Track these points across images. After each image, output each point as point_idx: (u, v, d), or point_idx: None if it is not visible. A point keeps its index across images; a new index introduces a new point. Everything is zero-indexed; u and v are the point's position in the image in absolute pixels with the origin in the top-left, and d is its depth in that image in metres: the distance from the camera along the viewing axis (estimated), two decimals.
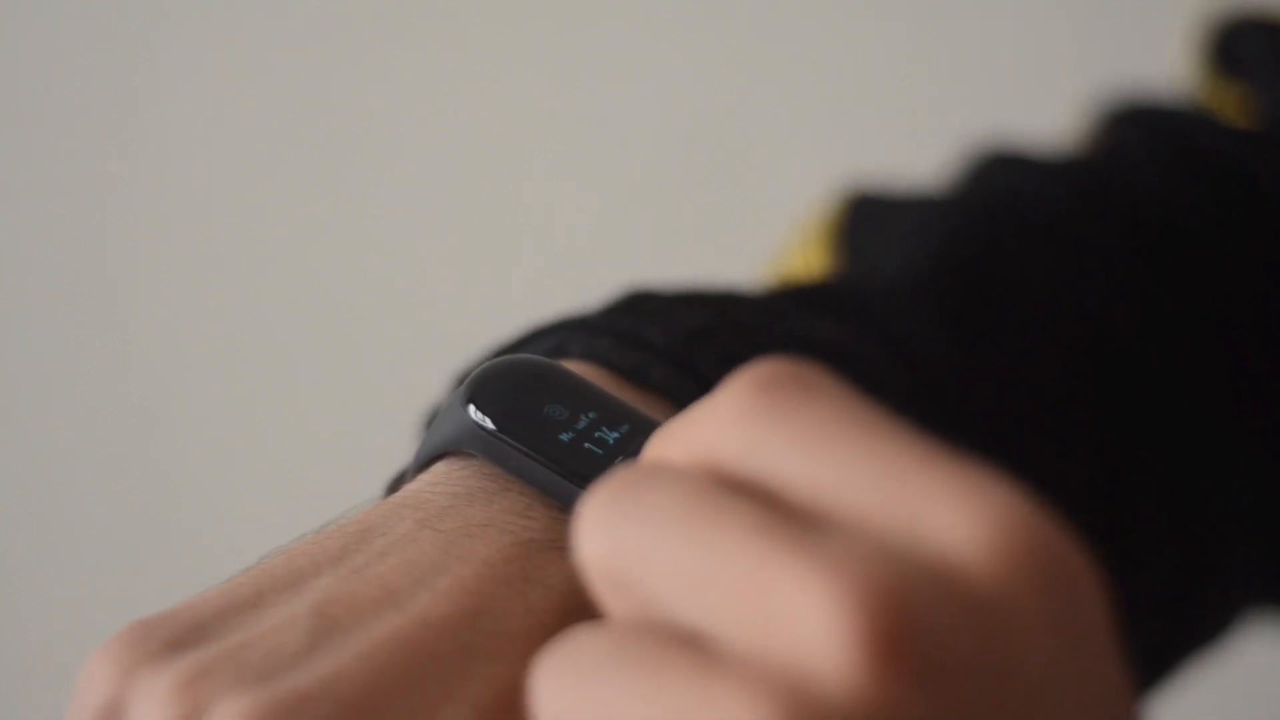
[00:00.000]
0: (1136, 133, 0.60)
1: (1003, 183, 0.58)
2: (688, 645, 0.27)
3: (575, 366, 0.39)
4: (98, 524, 1.16)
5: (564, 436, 0.36)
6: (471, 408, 0.37)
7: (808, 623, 0.26)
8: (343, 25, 1.12)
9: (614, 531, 0.28)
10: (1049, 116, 0.81)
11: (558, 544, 0.35)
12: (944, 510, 0.27)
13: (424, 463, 0.38)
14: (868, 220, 0.57)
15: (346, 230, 1.14)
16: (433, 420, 0.40)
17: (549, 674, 0.28)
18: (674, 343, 0.39)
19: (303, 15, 1.12)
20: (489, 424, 0.36)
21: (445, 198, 1.13)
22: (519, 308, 1.07)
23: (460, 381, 0.40)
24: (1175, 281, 0.55)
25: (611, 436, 0.36)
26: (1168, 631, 0.55)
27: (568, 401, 0.37)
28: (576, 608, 0.34)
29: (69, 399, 1.15)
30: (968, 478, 0.27)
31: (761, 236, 1.02)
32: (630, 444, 0.36)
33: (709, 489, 0.28)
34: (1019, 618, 0.26)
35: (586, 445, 0.36)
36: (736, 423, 0.29)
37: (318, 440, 1.15)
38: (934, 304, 0.50)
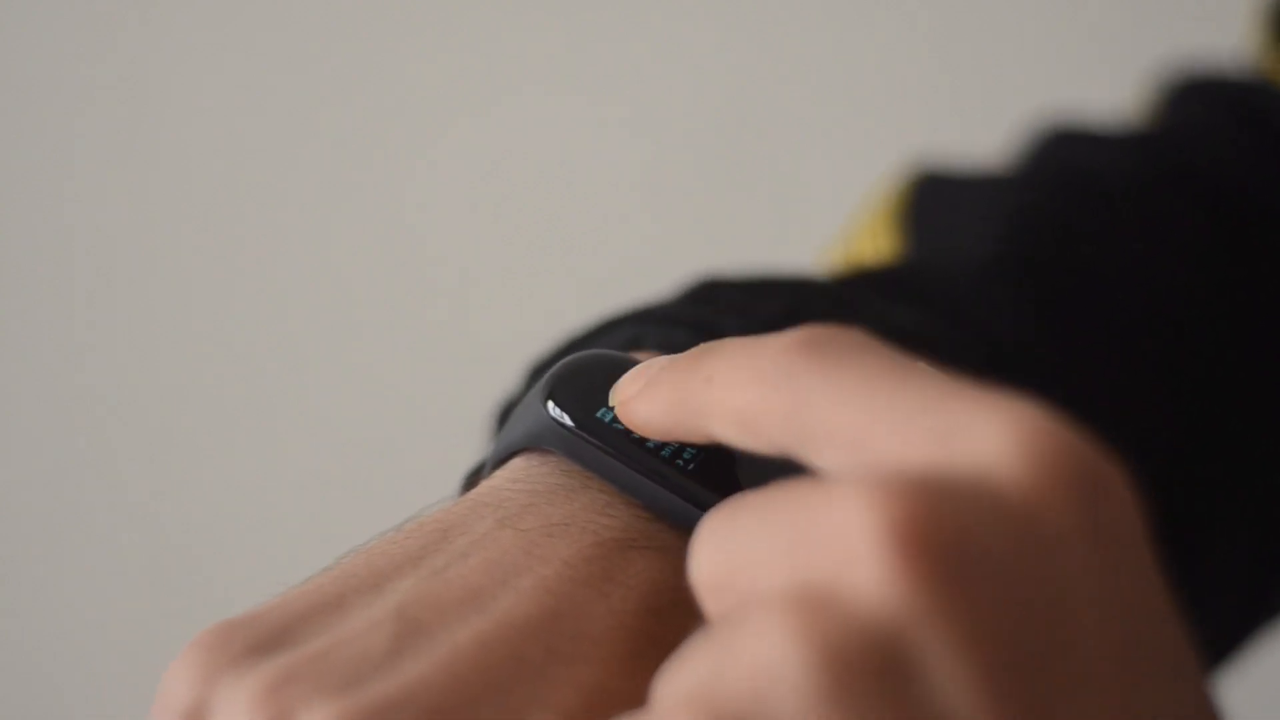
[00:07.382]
0: (1201, 106, 0.60)
1: (1070, 158, 0.57)
2: None
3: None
4: (115, 530, 1.16)
5: None
6: (551, 404, 0.36)
7: (840, 538, 0.27)
8: (380, 26, 1.12)
9: (720, 543, 0.29)
10: (1109, 91, 0.80)
11: (638, 543, 0.34)
12: (974, 428, 0.28)
13: (502, 458, 0.37)
14: (935, 199, 0.56)
15: (383, 233, 1.14)
16: (506, 415, 0.40)
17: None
18: (751, 334, 0.39)
19: (334, 18, 1.12)
20: (568, 420, 0.36)
21: (480, 195, 1.13)
22: (554, 302, 1.06)
23: (534, 375, 0.40)
24: (1254, 256, 0.54)
25: None
26: (1243, 609, 0.55)
27: None
28: (657, 609, 0.34)
29: (80, 401, 1.15)
30: (996, 400, 0.28)
31: (793, 221, 1.01)
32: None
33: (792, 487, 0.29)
34: (1053, 525, 0.27)
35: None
36: (777, 381, 0.30)
37: (339, 445, 1.15)
38: (1009, 284, 0.50)
